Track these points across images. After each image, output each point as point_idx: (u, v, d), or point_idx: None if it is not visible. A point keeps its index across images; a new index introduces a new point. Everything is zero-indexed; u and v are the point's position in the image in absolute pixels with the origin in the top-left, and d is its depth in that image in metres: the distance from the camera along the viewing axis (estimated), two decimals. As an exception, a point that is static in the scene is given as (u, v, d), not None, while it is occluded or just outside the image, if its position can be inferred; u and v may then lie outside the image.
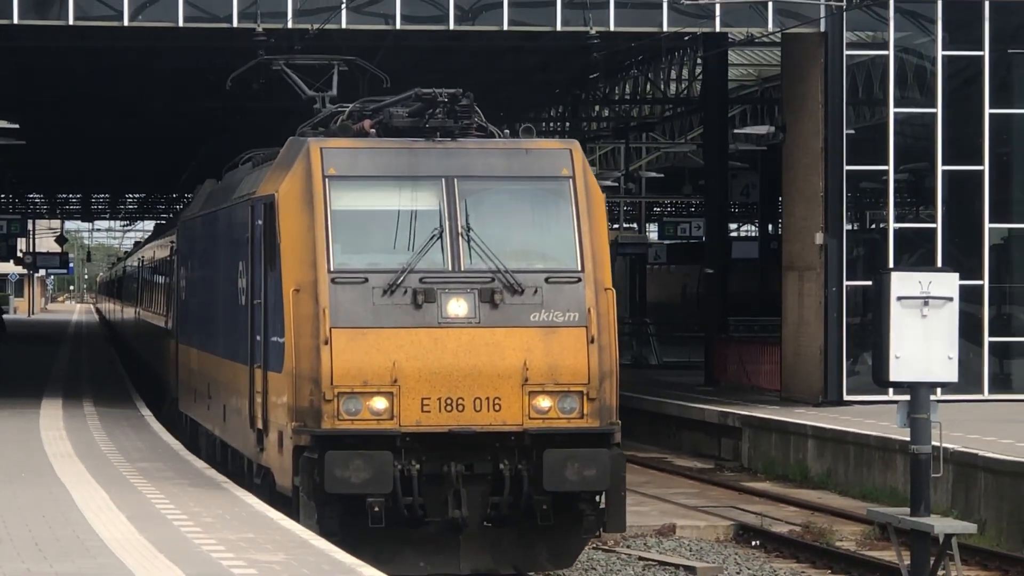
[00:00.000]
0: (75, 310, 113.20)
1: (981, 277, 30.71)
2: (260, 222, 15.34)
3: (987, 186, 30.40)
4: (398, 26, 29.88)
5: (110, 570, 10.48)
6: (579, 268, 14.18)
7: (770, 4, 29.86)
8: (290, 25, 28.77)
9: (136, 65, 36.82)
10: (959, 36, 30.85)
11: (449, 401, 13.55)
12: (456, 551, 13.67)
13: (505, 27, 30.94)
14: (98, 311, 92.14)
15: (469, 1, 29.90)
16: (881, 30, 30.89)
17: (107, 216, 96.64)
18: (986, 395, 30.32)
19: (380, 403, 13.46)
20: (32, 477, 17.15)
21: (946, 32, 30.68)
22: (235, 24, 29.09)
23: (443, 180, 14.25)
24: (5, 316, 72.89)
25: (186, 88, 41.25)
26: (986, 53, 30.43)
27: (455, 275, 13.94)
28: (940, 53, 30.60)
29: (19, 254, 79.23)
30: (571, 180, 14.61)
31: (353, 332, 13.57)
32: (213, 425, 20.57)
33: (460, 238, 13.95)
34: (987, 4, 30.38)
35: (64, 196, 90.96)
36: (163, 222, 53.50)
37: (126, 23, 29.24)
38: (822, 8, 29.18)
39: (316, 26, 28.41)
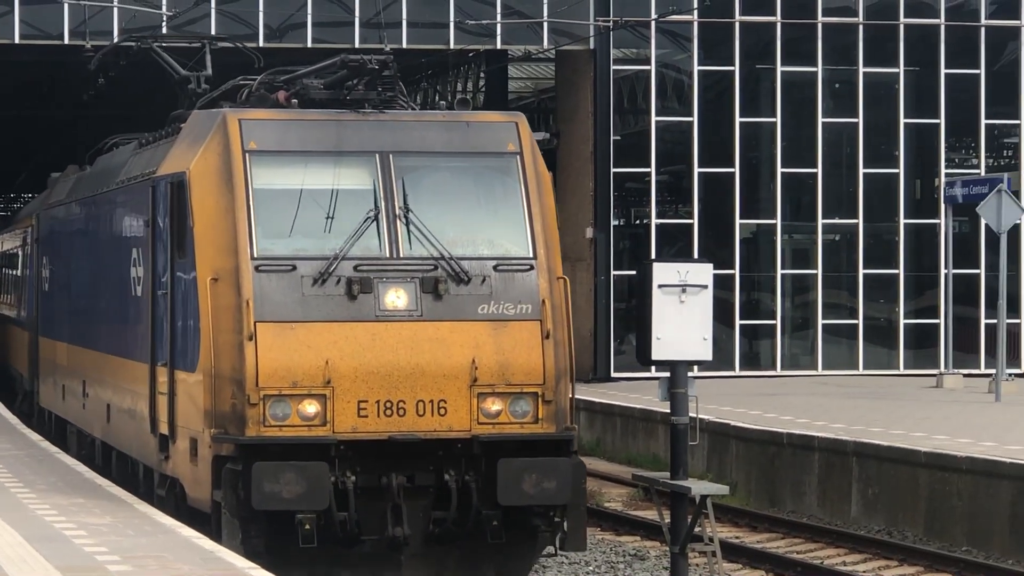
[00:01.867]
0: None
1: (733, 267, 31.99)
2: (165, 204, 12.60)
3: (738, 186, 31.69)
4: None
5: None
6: (531, 255, 11.69)
7: (545, 24, 30.55)
8: (116, 41, 27.95)
9: None
10: (713, 53, 32.27)
11: (389, 404, 11.06)
12: (397, 572, 11.32)
13: (309, 44, 32.00)
14: None
15: (277, 20, 29.50)
16: (644, 48, 32.06)
17: None
18: (737, 372, 31.52)
19: (311, 407, 10.97)
20: None
21: (701, 50, 31.92)
22: (66, 41, 30.55)
23: (377, 156, 11.66)
24: None
25: (18, 97, 40.75)
26: (736, 68, 31.74)
27: (393, 262, 11.38)
28: (696, 68, 31.96)
29: None
30: (519, 156, 12.01)
31: (280, 327, 11.00)
32: (91, 426, 17.39)
33: (398, 221, 11.43)
34: (737, 25, 31.49)
35: None
36: (6, 216, 50.28)
37: None
38: (591, 28, 29.93)
39: (140, 43, 26.63)
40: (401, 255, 11.38)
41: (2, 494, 12.46)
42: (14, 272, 28.62)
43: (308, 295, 11.14)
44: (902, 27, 31.83)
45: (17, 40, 30.71)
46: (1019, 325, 30.62)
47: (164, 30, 29.40)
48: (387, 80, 12.38)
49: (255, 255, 11.08)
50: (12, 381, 27.66)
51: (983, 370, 29.58)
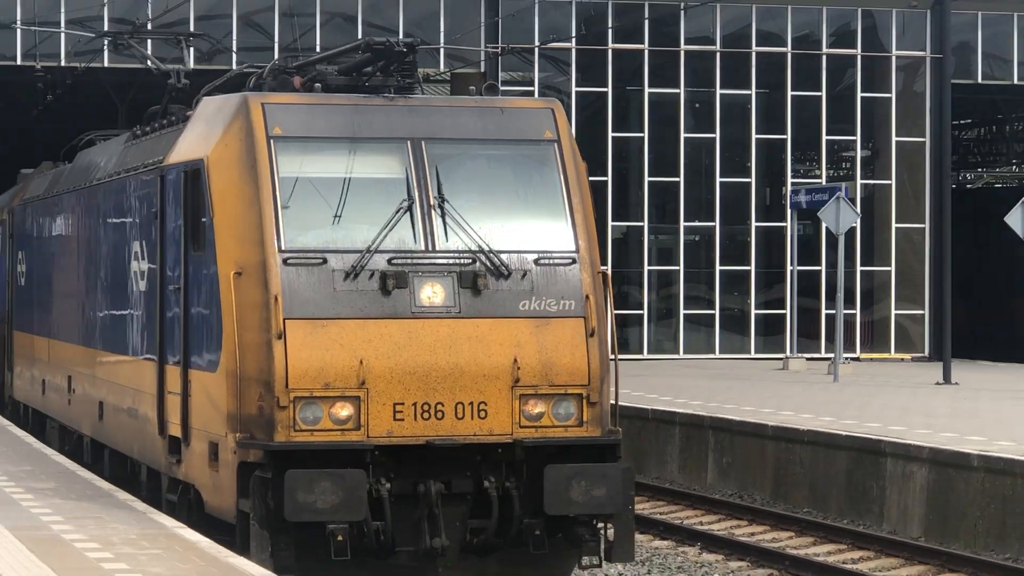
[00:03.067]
0: None
1: (606, 263, 32.30)
2: (176, 194, 10.77)
3: (610, 193, 32.08)
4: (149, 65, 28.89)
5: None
6: (573, 248, 9.93)
7: (441, 49, 30.58)
8: (63, 64, 29.30)
9: None
10: (588, 76, 32.67)
11: (426, 407, 9.33)
12: None
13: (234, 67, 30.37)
14: None
15: (206, 45, 28.81)
16: (528, 71, 32.34)
17: None
18: (609, 356, 31.66)
19: (345, 410, 9.24)
20: None
21: (578, 73, 32.28)
22: (19, 62, 29.95)
23: (409, 143, 9.87)
24: None
25: None
26: (609, 90, 32.20)
27: (430, 255, 9.61)
28: (574, 89, 32.28)
29: None
30: (556, 144, 10.24)
31: (311, 324, 9.22)
32: (79, 423, 15.25)
33: (433, 211, 9.66)
34: (609, 51, 31.97)
35: None
36: None
37: None
38: (482, 53, 30.10)
39: (83, 64, 28.10)
40: (437, 248, 9.61)
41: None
42: None
43: (340, 290, 9.37)
44: (754, 54, 32.67)
45: None
46: (854, 315, 31.40)
47: (105, 54, 28.88)
48: (407, 66, 10.56)
49: (282, 247, 9.34)
50: None
51: (823, 354, 30.30)
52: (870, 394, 23.73)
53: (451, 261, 9.55)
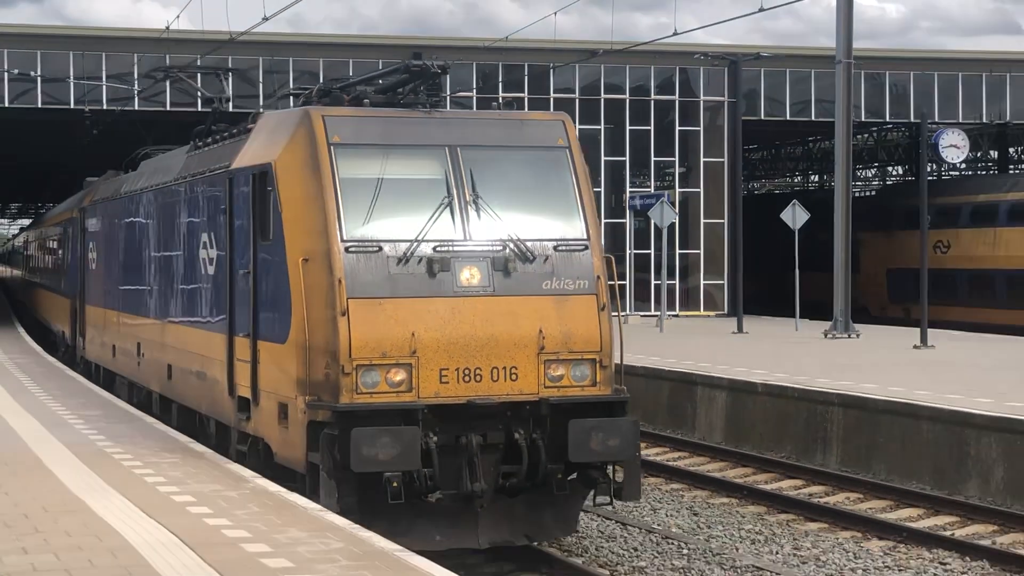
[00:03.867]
0: None
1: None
2: (245, 193, 9.97)
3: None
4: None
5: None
6: (585, 237, 9.23)
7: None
8: (104, 108, 30.49)
9: (12, 126, 34.87)
10: None
11: (467, 371, 8.53)
12: (473, 523, 8.74)
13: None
14: None
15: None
16: None
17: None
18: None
19: (399, 375, 8.47)
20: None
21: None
22: (71, 107, 31.00)
23: (446, 149, 9.09)
24: None
25: (41, 141, 39.06)
26: None
27: (467, 243, 8.86)
28: None
29: None
30: (568, 150, 9.57)
31: (370, 302, 8.50)
32: (147, 381, 14.24)
33: (469, 207, 8.92)
34: (500, 98, 31.87)
35: None
36: (38, 215, 52.58)
37: (6, 104, 30.84)
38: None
39: (120, 108, 30.48)
40: (473, 237, 8.88)
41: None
42: (53, 256, 25.92)
43: (393, 273, 8.63)
44: (602, 100, 33.41)
45: (39, 105, 31.12)
46: (674, 284, 32.43)
47: (136, 101, 30.20)
48: (434, 86, 9.85)
49: (344, 237, 8.61)
50: (53, 336, 24.97)
51: (653, 312, 30.87)
52: (685, 340, 24.14)
53: (485, 248, 8.88)
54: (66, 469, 9.73)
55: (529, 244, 8.97)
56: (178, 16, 26.93)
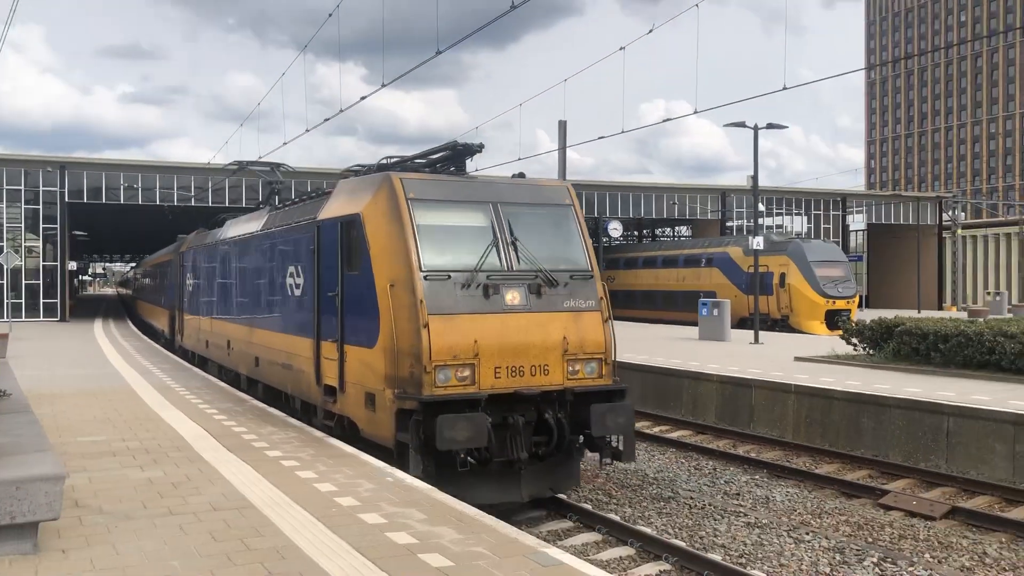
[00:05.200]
0: (108, 292, 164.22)
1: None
2: (333, 235, 11.97)
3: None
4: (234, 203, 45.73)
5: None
6: (590, 269, 11.39)
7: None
8: (175, 203, 47.05)
9: (125, 214, 53.51)
10: None
11: (513, 368, 10.41)
12: (516, 483, 10.77)
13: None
14: (117, 293, 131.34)
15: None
16: None
17: (118, 259, 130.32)
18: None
19: (465, 372, 10.20)
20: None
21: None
22: (157, 202, 46.98)
23: (491, 204, 11.09)
24: (83, 293, 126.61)
25: (142, 221, 56.71)
26: None
27: (510, 273, 10.76)
28: None
29: (90, 273, 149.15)
30: (572, 207, 11.79)
31: (443, 318, 10.24)
32: (237, 366, 17.87)
33: (509, 247, 10.88)
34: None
35: (103, 254, 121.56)
36: (143, 257, 75.43)
37: (122, 202, 47.19)
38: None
39: (184, 204, 47.57)
40: (514, 268, 10.83)
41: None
42: (156, 282, 37.18)
43: (459, 295, 10.44)
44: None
45: (140, 202, 47.00)
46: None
47: (210, 194, 45.64)
48: (461, 162, 12.15)
49: (422, 268, 10.43)
50: (155, 331, 36.24)
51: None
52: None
53: (523, 276, 10.85)
54: (149, 396, 15.03)
55: (553, 274, 11.04)
56: (214, 155, 51.50)
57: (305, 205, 14.26)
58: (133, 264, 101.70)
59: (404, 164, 12.59)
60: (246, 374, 17.27)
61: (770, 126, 30.07)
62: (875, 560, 9.85)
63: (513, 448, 10.52)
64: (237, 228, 18.97)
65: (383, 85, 17.22)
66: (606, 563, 9.75)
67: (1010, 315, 41.51)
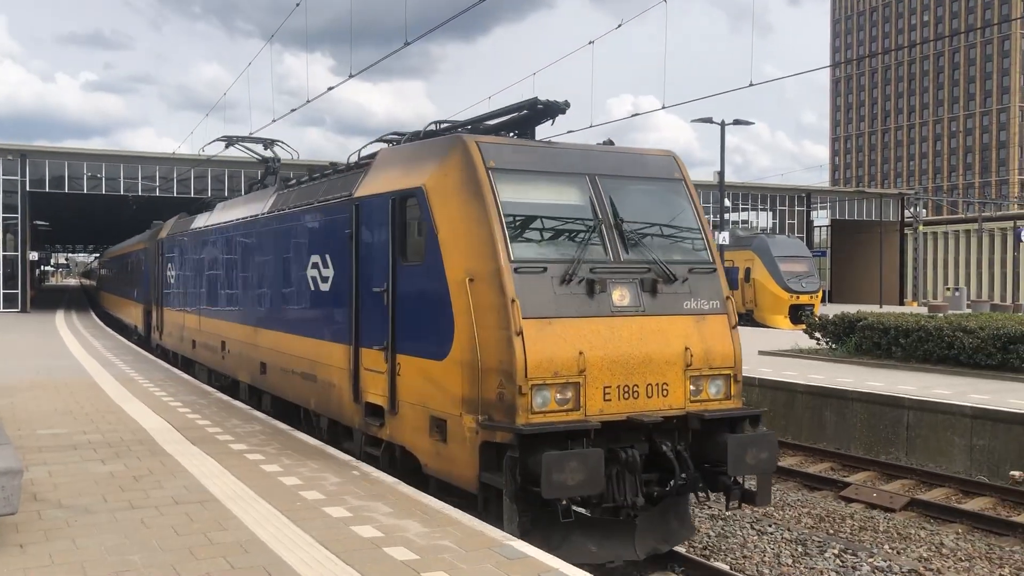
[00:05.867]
0: (70, 282, 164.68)
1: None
2: (378, 216, 9.63)
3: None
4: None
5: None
6: (711, 260, 9.16)
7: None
8: (140, 194, 46.59)
9: (89, 203, 54.14)
10: None
11: (626, 388, 8.11)
12: (630, 535, 8.40)
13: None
14: (80, 283, 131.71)
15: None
16: None
17: (81, 249, 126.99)
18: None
19: (567, 393, 7.93)
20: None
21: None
22: (121, 193, 46.97)
23: (587, 177, 8.83)
24: (46, 284, 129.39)
25: (105, 210, 60.13)
26: None
27: (618, 265, 8.51)
28: None
29: (52, 264, 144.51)
30: (683, 182, 9.52)
31: (540, 322, 7.98)
32: (235, 372, 15.39)
33: (614, 231, 8.63)
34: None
35: (67, 245, 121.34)
36: (104, 250, 71.69)
37: (85, 191, 47.28)
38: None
39: (149, 195, 47.69)
40: (622, 259, 8.56)
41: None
42: (126, 273, 34.44)
43: (558, 294, 8.14)
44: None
45: (104, 192, 46.89)
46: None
47: (175, 185, 44.96)
48: (533, 127, 9.79)
49: (512, 258, 8.07)
50: (125, 326, 33.84)
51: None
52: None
53: (633, 270, 8.58)
54: (111, 388, 14.49)
55: (670, 266, 8.79)
56: (179, 146, 52.30)
57: (331, 181, 11.79)
58: (97, 255, 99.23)
59: (467, 131, 9.98)
60: (247, 382, 14.76)
61: (737, 122, 30.34)
62: (836, 552, 9.92)
63: (624, 490, 8.13)
64: (233, 211, 16.63)
65: (351, 76, 17.05)
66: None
67: (969, 310, 42.34)
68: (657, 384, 8.36)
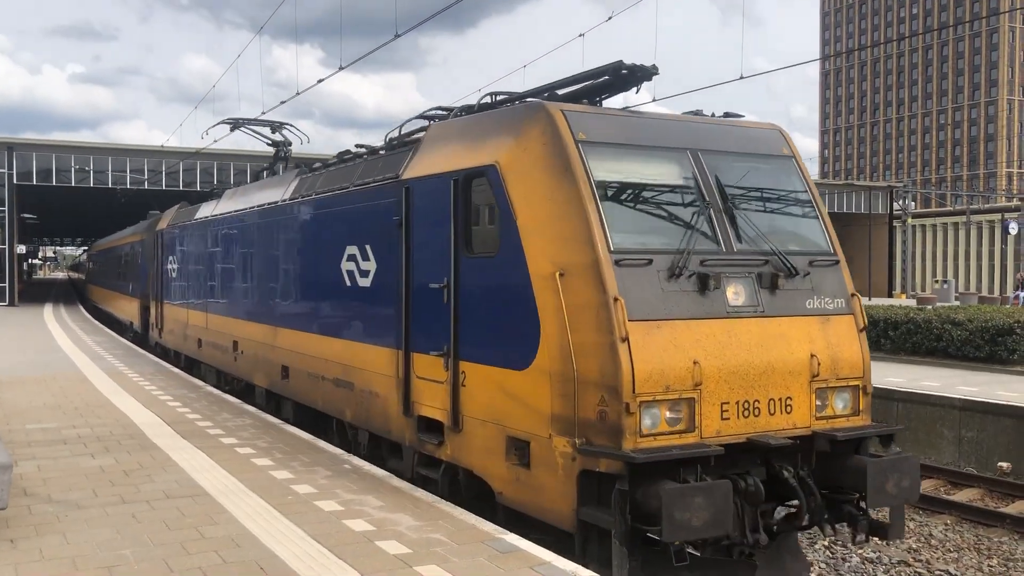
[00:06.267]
0: (59, 276, 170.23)
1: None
2: (436, 200, 8.26)
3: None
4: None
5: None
6: (833, 251, 7.84)
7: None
8: (128, 186, 45.44)
9: (78, 196, 55.30)
10: None
11: (746, 405, 6.84)
12: (751, 574, 7.05)
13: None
14: (68, 277, 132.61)
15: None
16: None
17: (69, 243, 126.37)
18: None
19: (679, 411, 6.67)
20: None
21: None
22: (110, 186, 46.11)
23: (688, 152, 7.57)
24: (35, 276, 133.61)
25: (93, 203, 61.15)
26: None
27: (732, 257, 7.20)
28: None
29: (40, 257, 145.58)
30: (794, 159, 8.25)
31: (648, 326, 6.69)
32: (250, 375, 13.86)
33: (724, 215, 7.35)
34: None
35: (55, 238, 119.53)
36: (93, 242, 68.76)
37: (73, 184, 46.58)
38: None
39: (138, 187, 45.62)
40: (735, 249, 7.25)
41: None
42: (120, 266, 32.97)
43: (666, 291, 6.82)
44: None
45: (92, 185, 45.99)
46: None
47: (163, 178, 44.57)
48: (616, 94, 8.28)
49: (612, 248, 6.74)
50: (118, 323, 32.59)
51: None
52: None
53: (749, 262, 7.27)
54: (100, 381, 14.34)
55: (789, 258, 7.47)
56: (168, 138, 52.21)
57: (368, 162, 10.41)
58: (85, 248, 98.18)
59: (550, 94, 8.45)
60: (264, 387, 13.32)
61: (727, 115, 30.19)
62: (825, 543, 9.97)
63: (744, 525, 6.79)
64: (245, 199, 15.23)
65: (340, 68, 16.90)
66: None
67: (957, 303, 42.59)
68: (780, 399, 7.06)
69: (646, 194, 7.28)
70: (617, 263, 6.70)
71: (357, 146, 11.69)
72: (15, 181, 45.40)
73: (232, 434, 10.71)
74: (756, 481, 6.81)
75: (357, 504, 7.42)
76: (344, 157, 11.72)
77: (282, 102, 20.59)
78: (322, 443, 10.18)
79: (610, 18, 16.86)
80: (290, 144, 17.15)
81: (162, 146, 46.33)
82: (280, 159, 17.14)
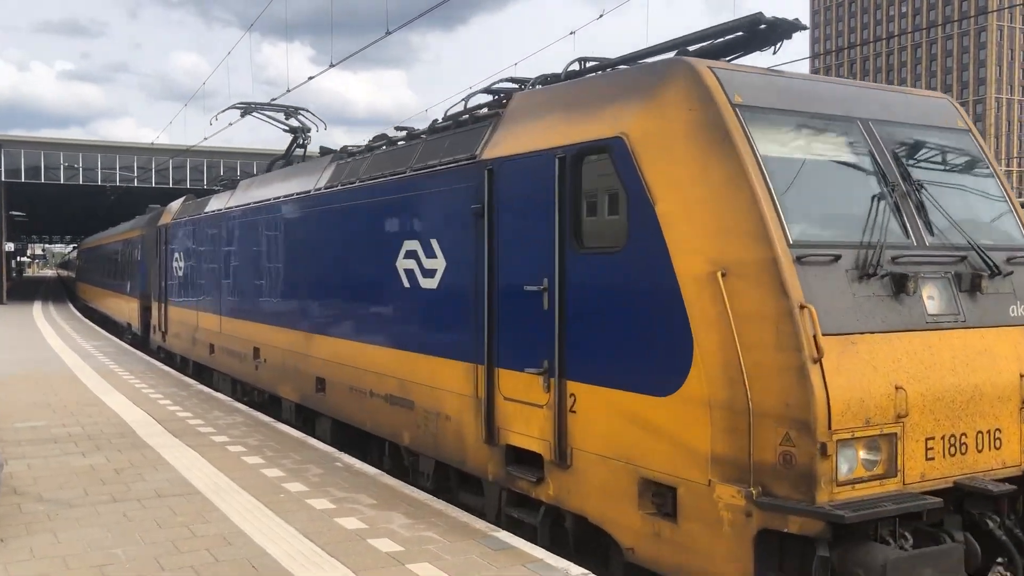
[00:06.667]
0: (48, 273, 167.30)
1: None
2: (533, 183, 6.77)
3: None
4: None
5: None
6: None
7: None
8: (117, 184, 45.60)
9: (66, 193, 53.04)
10: None
11: (952, 440, 5.35)
12: None
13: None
14: (58, 275, 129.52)
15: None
16: None
17: (58, 240, 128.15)
18: None
19: (878, 452, 5.09)
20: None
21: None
22: (99, 183, 46.34)
23: (858, 123, 6.11)
24: (24, 274, 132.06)
25: (83, 201, 60.24)
26: None
27: (925, 253, 5.74)
28: None
29: (28, 255, 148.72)
30: (971, 134, 6.85)
31: (841, 341, 5.08)
32: (274, 386, 12.28)
33: (909, 201, 5.90)
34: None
35: (43, 236, 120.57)
36: (82, 240, 68.67)
37: (62, 182, 46.57)
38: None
39: (127, 185, 45.41)
40: (926, 243, 5.85)
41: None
42: (115, 265, 31.39)
43: (858, 296, 5.35)
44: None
45: (81, 182, 46.25)
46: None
47: (153, 176, 44.78)
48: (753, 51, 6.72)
49: (791, 242, 5.26)
50: (117, 325, 30.21)
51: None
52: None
53: (941, 258, 5.87)
54: (90, 380, 14.29)
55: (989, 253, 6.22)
56: (158, 135, 48.04)
57: (429, 141, 8.90)
58: (74, 245, 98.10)
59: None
60: (295, 401, 11.77)
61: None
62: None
63: None
64: (267, 189, 13.60)
65: (331, 65, 16.78)
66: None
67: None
68: (988, 431, 5.69)
69: (815, 173, 5.81)
70: (799, 260, 5.26)
71: (396, 128, 10.42)
72: (3, 178, 45.32)
73: (223, 432, 10.67)
74: (972, 540, 5.57)
75: (349, 502, 7.41)
76: (392, 138, 10.24)
77: (272, 100, 20.55)
78: (312, 440, 10.12)
79: (601, 16, 16.90)
80: (308, 130, 15.84)
81: (152, 143, 46.46)
82: (299, 145, 15.74)
